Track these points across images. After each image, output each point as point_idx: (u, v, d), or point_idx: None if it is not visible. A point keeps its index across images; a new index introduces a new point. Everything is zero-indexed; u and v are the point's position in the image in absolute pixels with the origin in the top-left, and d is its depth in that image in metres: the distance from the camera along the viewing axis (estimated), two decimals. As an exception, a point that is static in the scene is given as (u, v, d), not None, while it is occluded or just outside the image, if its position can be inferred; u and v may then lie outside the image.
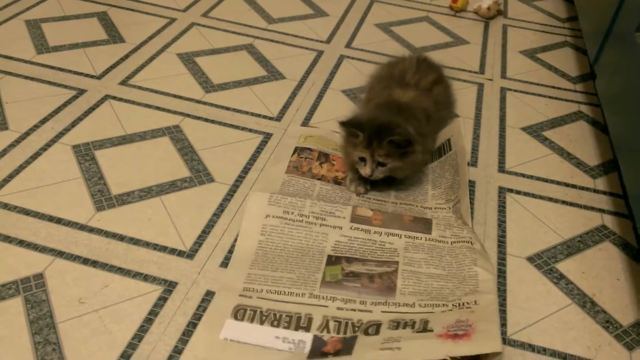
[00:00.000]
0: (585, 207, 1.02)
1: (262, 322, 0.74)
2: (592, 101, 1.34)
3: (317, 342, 0.72)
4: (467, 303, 0.75)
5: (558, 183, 1.07)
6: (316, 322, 0.75)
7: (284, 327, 0.74)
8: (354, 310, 0.76)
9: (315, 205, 0.91)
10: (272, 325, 0.74)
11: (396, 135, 0.90)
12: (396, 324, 0.72)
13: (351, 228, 0.89)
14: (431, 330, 0.70)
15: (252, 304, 0.76)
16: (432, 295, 0.78)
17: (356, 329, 0.73)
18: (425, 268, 0.83)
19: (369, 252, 0.86)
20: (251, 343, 0.72)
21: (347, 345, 0.70)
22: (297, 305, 0.77)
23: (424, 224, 0.90)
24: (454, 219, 0.91)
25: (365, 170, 0.93)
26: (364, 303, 0.77)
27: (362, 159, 0.93)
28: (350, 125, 0.93)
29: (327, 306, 0.77)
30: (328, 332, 0.73)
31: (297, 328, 0.74)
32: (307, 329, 0.74)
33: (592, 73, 1.31)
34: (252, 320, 0.74)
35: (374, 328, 0.73)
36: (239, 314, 0.75)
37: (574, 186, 1.07)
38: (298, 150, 1.05)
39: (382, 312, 0.76)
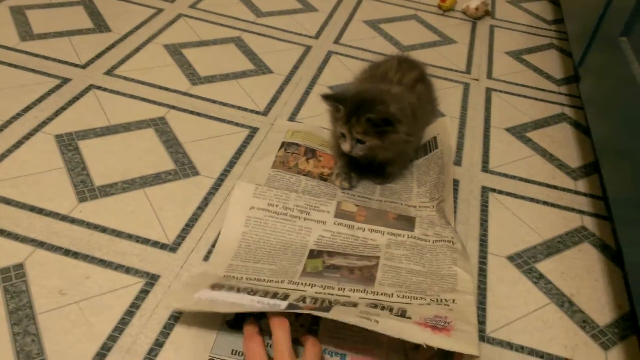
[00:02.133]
0: (566, 208, 1.04)
1: (238, 292, 0.74)
2: (576, 103, 1.35)
3: (292, 307, 0.71)
4: (445, 300, 0.75)
5: (540, 184, 1.09)
6: (293, 297, 0.74)
7: (260, 296, 0.73)
8: (332, 294, 0.77)
9: (300, 199, 0.91)
10: (248, 294, 0.73)
11: (375, 112, 0.88)
12: (374, 306, 0.72)
13: (335, 223, 0.89)
14: (409, 318, 0.70)
15: (229, 284, 0.76)
16: (411, 289, 0.79)
17: (332, 303, 0.72)
18: (405, 264, 0.83)
19: (351, 248, 0.86)
20: (225, 300, 0.72)
21: (323, 309, 0.69)
22: (276, 288, 0.77)
23: (408, 222, 0.91)
24: (437, 217, 0.92)
25: (345, 146, 0.92)
26: (342, 289, 0.77)
27: (343, 135, 0.92)
28: (332, 99, 0.93)
29: (305, 290, 0.77)
30: (304, 303, 0.72)
31: (273, 298, 0.73)
32: (283, 299, 0.73)
33: (577, 75, 1.33)
34: (228, 291, 0.74)
35: (351, 304, 0.72)
36: (215, 287, 0.75)
37: (555, 187, 1.08)
38: (285, 145, 1.05)
39: (360, 297, 0.76)
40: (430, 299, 0.76)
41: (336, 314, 0.67)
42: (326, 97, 0.93)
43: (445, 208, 0.94)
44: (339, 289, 0.78)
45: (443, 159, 1.02)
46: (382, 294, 0.77)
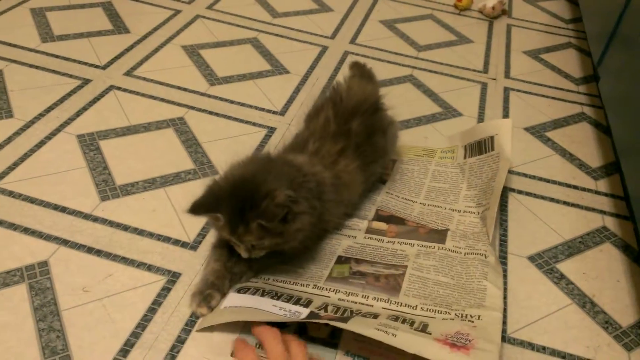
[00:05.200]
0: (587, 208, 1.03)
1: (262, 296, 0.74)
2: (595, 103, 1.34)
3: (313, 315, 0.71)
4: (471, 316, 0.74)
5: (560, 184, 1.08)
6: (315, 304, 0.74)
7: (284, 301, 0.74)
8: (355, 302, 0.77)
9: None
10: (272, 298, 0.74)
11: (264, 214, 0.69)
12: (395, 318, 0.72)
13: (365, 237, 0.89)
14: (429, 334, 0.69)
15: (255, 286, 0.77)
16: (436, 302, 0.77)
17: (354, 314, 0.73)
18: (433, 275, 0.82)
19: (379, 257, 0.85)
20: (248, 306, 0.72)
21: (343, 319, 0.70)
22: (300, 292, 0.77)
23: (439, 235, 0.89)
24: (472, 229, 0.90)
25: (242, 254, 0.74)
26: (366, 297, 0.77)
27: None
28: (204, 211, 0.73)
29: (329, 297, 0.77)
30: (326, 311, 0.73)
31: (295, 304, 0.74)
32: (305, 306, 0.73)
33: (596, 75, 1.32)
34: (253, 294, 0.75)
35: (372, 316, 0.72)
36: (241, 290, 0.76)
37: (575, 187, 1.08)
38: None
39: (383, 307, 0.76)
40: (455, 314, 0.74)
41: (354, 325, 0.67)
42: (195, 211, 0.72)
43: (488, 217, 0.90)
44: (362, 296, 0.78)
45: (498, 164, 0.97)
46: (405, 305, 0.77)
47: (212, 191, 0.73)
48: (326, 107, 0.91)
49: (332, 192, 0.82)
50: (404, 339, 0.66)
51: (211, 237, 0.86)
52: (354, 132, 0.88)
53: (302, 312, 0.71)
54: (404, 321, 0.71)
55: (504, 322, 0.80)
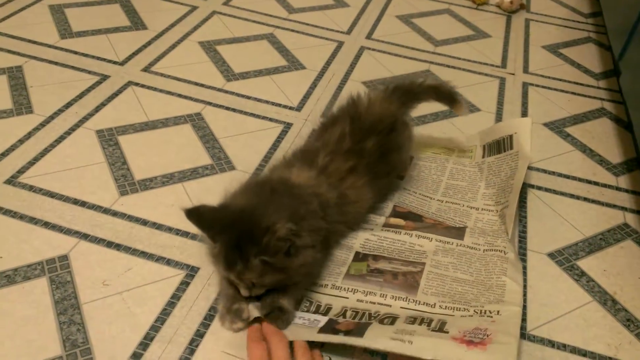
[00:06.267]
0: (607, 205, 1.01)
1: None
2: (616, 98, 1.32)
3: (331, 322, 0.72)
4: (490, 312, 0.73)
5: (580, 180, 1.06)
6: (334, 310, 0.75)
7: (302, 311, 0.74)
8: (374, 303, 0.76)
9: None
10: None
11: (265, 250, 0.65)
12: (413, 320, 0.72)
13: (382, 230, 0.88)
14: (447, 332, 0.69)
15: None
16: (455, 299, 0.77)
17: (372, 318, 0.73)
18: (452, 272, 0.81)
19: (397, 252, 0.85)
20: None
21: (360, 328, 0.70)
22: (318, 294, 0.77)
23: (458, 231, 0.89)
24: (490, 227, 0.89)
25: (242, 292, 0.70)
26: (384, 296, 0.77)
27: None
28: (196, 220, 0.68)
29: (347, 297, 0.77)
30: (344, 318, 0.73)
31: (315, 312, 0.74)
32: (324, 314, 0.74)
33: (616, 70, 1.30)
34: None
35: (390, 319, 0.72)
36: None
37: (596, 183, 1.06)
38: None
39: (401, 307, 0.76)
40: (474, 311, 0.74)
41: (370, 341, 0.67)
42: (190, 214, 0.68)
43: (507, 214, 0.89)
44: (380, 295, 0.77)
45: (517, 163, 0.95)
46: (424, 303, 0.76)
47: (215, 212, 0.69)
48: (343, 120, 0.88)
49: (336, 213, 0.79)
50: (420, 345, 0.66)
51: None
52: (368, 151, 0.85)
53: (320, 320, 0.72)
54: (421, 322, 0.71)
55: (524, 320, 0.79)
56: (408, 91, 0.96)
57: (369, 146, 0.86)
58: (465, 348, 0.65)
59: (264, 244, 0.65)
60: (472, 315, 0.73)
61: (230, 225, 0.67)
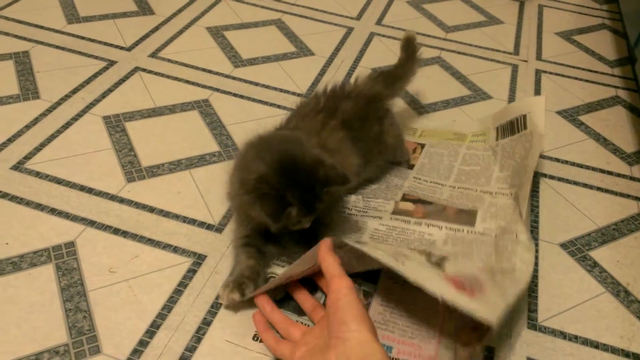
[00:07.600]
0: (621, 195, 0.99)
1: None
2: (630, 86, 1.29)
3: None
4: (494, 275, 0.70)
5: (593, 169, 1.04)
6: None
7: None
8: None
9: (360, 202, 0.90)
10: None
11: (331, 178, 0.70)
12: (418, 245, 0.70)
13: (391, 219, 0.87)
14: (443, 270, 0.67)
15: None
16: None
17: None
18: (461, 260, 0.79)
19: (406, 242, 0.83)
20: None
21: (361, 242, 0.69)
22: None
23: (468, 216, 0.86)
24: (504, 211, 0.87)
25: (306, 225, 0.73)
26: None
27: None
28: (277, 208, 0.68)
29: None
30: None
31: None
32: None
33: (631, 57, 1.27)
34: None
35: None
36: None
37: (609, 173, 1.04)
38: None
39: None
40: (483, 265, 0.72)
41: (370, 249, 0.64)
42: (277, 219, 0.68)
43: (520, 195, 0.86)
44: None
45: (531, 142, 0.92)
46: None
47: (264, 180, 0.69)
48: (323, 94, 0.90)
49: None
50: (412, 270, 0.63)
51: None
52: (342, 109, 0.85)
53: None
54: (423, 253, 0.70)
55: (535, 311, 0.78)
56: (391, 73, 0.98)
57: (345, 107, 0.86)
58: (453, 289, 0.62)
59: (326, 176, 0.69)
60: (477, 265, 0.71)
61: (288, 180, 0.69)
